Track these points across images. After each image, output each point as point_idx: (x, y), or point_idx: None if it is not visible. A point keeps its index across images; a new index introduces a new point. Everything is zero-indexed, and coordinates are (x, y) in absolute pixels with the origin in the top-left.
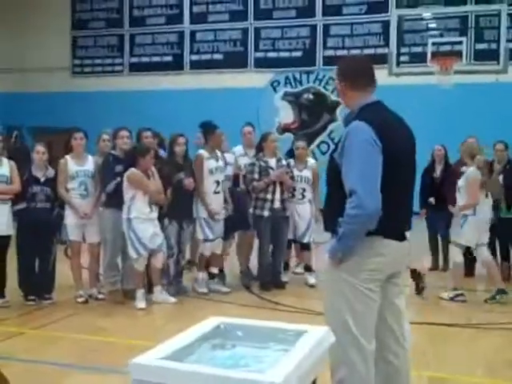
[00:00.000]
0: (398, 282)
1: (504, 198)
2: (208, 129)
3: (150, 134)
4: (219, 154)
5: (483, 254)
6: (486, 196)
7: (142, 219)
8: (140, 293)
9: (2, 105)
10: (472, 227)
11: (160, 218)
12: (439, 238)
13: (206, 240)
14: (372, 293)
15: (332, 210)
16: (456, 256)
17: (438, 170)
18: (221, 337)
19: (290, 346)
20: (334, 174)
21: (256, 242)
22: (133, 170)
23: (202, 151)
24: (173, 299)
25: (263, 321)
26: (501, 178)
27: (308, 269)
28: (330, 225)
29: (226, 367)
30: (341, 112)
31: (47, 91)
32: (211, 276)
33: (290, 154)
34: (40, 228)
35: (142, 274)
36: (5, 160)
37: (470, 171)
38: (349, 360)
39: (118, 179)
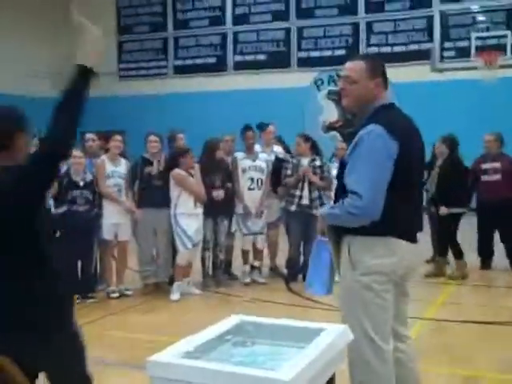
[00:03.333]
0: (405, 284)
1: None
2: (242, 132)
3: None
4: (258, 153)
5: None
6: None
7: (187, 214)
8: (176, 285)
9: (41, 110)
10: None
11: None
12: None
13: (245, 234)
14: (387, 293)
15: None
16: None
17: None
18: (241, 334)
19: (307, 343)
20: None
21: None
22: (177, 169)
23: (236, 154)
24: (198, 291)
25: (284, 319)
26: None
27: None
28: None
29: (243, 365)
30: None
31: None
32: (252, 268)
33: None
34: (81, 231)
35: (182, 267)
36: None
37: None
38: (366, 362)
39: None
